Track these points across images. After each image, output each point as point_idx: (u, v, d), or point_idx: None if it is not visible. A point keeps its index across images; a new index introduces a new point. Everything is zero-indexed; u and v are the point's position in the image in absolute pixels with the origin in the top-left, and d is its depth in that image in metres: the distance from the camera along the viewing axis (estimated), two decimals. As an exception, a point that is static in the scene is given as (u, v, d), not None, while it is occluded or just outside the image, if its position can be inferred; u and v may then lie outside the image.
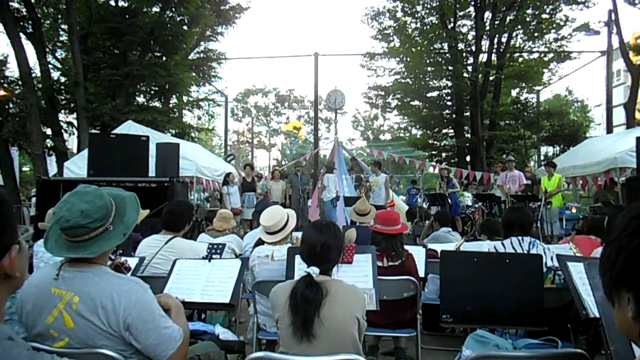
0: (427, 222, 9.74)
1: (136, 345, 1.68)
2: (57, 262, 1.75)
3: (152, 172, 7.80)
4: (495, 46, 17.08)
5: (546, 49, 17.95)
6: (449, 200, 10.83)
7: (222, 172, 11.51)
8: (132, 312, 1.64)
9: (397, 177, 24.28)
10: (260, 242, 3.72)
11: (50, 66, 14.55)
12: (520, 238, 3.36)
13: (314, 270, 2.03)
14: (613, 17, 14.42)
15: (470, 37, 17.61)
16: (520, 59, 18.73)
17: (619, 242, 0.83)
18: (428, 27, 17.74)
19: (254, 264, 3.46)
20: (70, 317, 1.64)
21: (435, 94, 19.75)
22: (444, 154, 20.59)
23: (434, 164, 18.54)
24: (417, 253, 3.82)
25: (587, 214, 9.52)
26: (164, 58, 15.04)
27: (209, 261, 3.08)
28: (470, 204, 11.17)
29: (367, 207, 5.31)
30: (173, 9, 14.68)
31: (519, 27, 16.84)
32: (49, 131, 13.82)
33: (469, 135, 17.61)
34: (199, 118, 21.41)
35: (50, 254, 1.74)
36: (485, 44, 16.84)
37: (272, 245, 3.48)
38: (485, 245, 3.85)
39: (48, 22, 15.46)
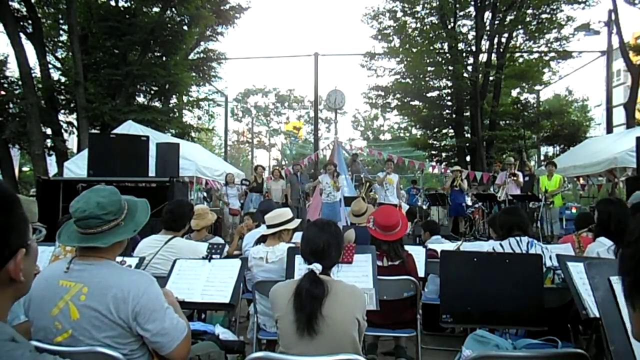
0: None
1: (143, 334, 1.72)
2: (66, 258, 1.83)
3: (152, 172, 7.79)
4: (495, 46, 17.08)
5: (546, 49, 17.95)
6: (449, 201, 10.85)
7: (222, 172, 11.53)
8: (140, 301, 1.70)
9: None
10: (257, 242, 3.73)
11: (50, 66, 14.53)
12: (518, 238, 3.36)
13: (317, 267, 2.03)
14: (613, 17, 14.42)
15: (470, 37, 17.60)
16: (521, 59, 18.72)
17: None
18: (428, 27, 17.72)
19: (251, 264, 3.49)
20: (77, 308, 1.68)
21: (435, 94, 19.74)
22: (444, 154, 20.57)
23: (433, 164, 18.59)
24: (417, 253, 3.82)
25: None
26: (164, 58, 15.02)
27: (209, 261, 3.08)
28: (470, 204, 11.17)
29: (363, 207, 5.27)
30: (173, 9, 14.68)
31: (519, 27, 16.83)
32: (49, 131, 13.81)
33: (469, 135, 17.61)
34: (199, 118, 21.37)
35: (63, 244, 1.80)
36: (485, 44, 16.84)
37: (266, 247, 3.50)
38: (485, 246, 3.85)
39: (48, 22, 15.46)
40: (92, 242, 1.76)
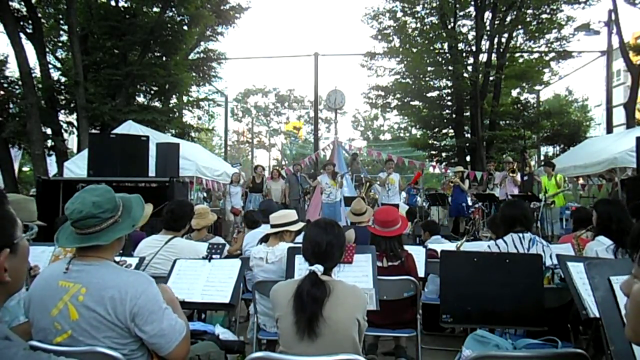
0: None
1: (141, 336, 1.72)
2: (66, 258, 1.83)
3: (152, 172, 7.79)
4: (495, 46, 17.06)
5: (547, 49, 17.95)
6: (449, 201, 10.85)
7: (222, 172, 11.52)
8: (138, 302, 1.69)
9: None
10: (260, 242, 3.73)
11: (50, 66, 14.52)
12: (520, 235, 3.33)
13: (319, 268, 2.03)
14: (613, 17, 14.41)
15: (470, 37, 17.59)
16: (521, 59, 18.72)
17: None
18: (428, 27, 17.71)
19: (252, 264, 3.49)
20: (76, 309, 1.68)
21: (435, 94, 19.72)
22: (444, 154, 20.56)
23: (433, 164, 18.57)
24: (417, 253, 3.81)
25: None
26: (164, 58, 15.02)
27: (209, 261, 3.08)
28: (470, 204, 11.17)
29: (363, 206, 5.28)
30: (173, 9, 14.68)
31: (519, 27, 16.82)
32: (49, 131, 13.81)
33: (469, 135, 17.60)
34: (199, 118, 21.35)
35: (63, 247, 1.80)
36: (485, 44, 16.83)
37: (267, 247, 3.49)
38: (485, 245, 3.84)
39: (48, 22, 15.45)
40: (92, 242, 1.76)
